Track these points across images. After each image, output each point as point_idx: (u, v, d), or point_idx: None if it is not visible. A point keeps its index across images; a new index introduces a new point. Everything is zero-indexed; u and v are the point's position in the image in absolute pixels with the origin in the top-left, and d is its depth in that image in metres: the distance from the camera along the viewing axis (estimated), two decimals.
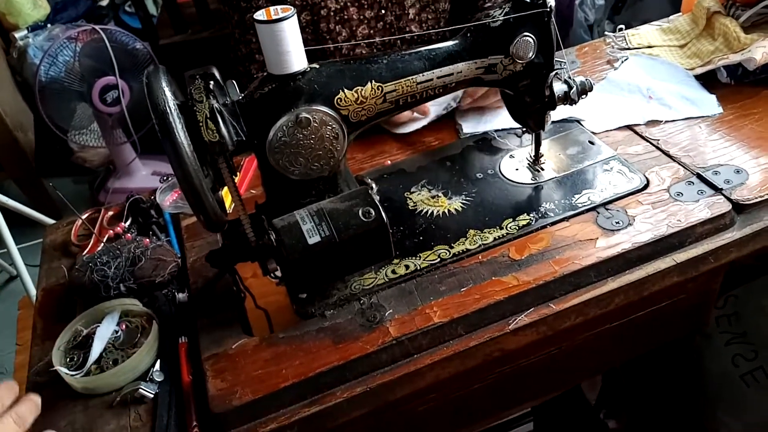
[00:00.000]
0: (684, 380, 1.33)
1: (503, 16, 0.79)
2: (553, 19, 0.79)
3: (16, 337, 2.08)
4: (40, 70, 2.08)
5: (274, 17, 0.69)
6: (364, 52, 1.19)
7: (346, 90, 0.75)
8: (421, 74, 0.78)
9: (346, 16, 1.15)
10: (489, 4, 1.16)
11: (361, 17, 1.16)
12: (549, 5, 0.77)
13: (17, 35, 2.63)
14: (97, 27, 2.10)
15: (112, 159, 2.49)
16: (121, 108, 2.15)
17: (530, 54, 0.80)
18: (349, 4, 1.15)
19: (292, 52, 0.71)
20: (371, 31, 1.18)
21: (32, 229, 2.20)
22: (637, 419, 1.42)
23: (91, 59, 2.12)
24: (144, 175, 2.47)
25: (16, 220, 2.12)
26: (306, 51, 1.16)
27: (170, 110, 0.65)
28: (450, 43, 0.80)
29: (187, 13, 2.43)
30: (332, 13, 1.14)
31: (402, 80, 0.78)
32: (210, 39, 2.39)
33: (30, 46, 2.58)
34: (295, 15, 0.70)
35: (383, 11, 1.17)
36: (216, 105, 0.69)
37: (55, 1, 2.82)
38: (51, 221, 2.11)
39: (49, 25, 2.68)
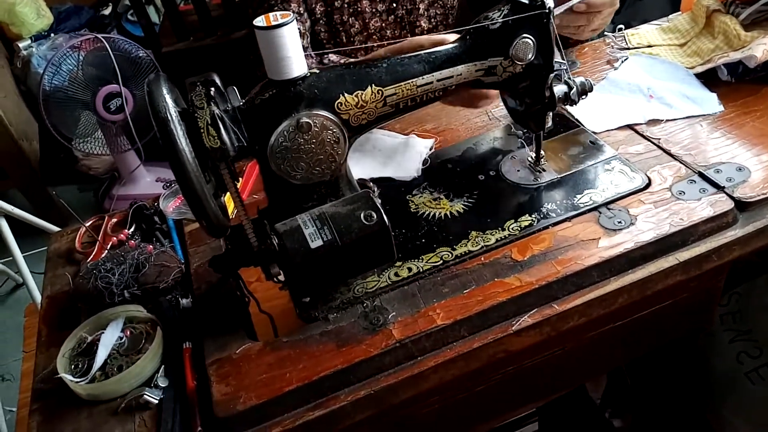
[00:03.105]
0: (689, 378, 1.32)
1: (502, 17, 0.79)
2: (552, 19, 0.79)
3: (22, 345, 2.09)
4: (44, 80, 2.09)
5: (273, 23, 0.70)
6: (375, 46, 1.21)
7: (346, 94, 0.75)
8: (421, 77, 0.79)
9: (359, 9, 1.16)
10: None
11: (374, 10, 1.17)
12: (548, 6, 0.78)
13: (21, 45, 2.66)
14: (100, 36, 2.12)
15: (116, 166, 2.51)
16: (125, 116, 2.16)
17: (530, 55, 0.80)
18: None
19: (292, 57, 0.72)
20: (383, 24, 1.20)
21: (38, 237, 2.21)
22: (642, 418, 1.41)
23: (94, 68, 2.13)
24: (148, 181, 2.49)
25: (21, 229, 2.14)
26: (322, 43, 1.16)
27: (171, 117, 0.66)
28: (449, 45, 0.81)
29: (189, 20, 2.44)
30: (346, 5, 1.16)
31: (402, 84, 0.78)
32: (212, 46, 2.39)
33: (34, 56, 2.60)
34: (295, 21, 0.71)
35: (395, 5, 1.18)
36: (217, 111, 0.69)
37: (59, 11, 2.84)
38: (56, 229, 2.12)
39: (52, 35, 2.70)
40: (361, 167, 1.03)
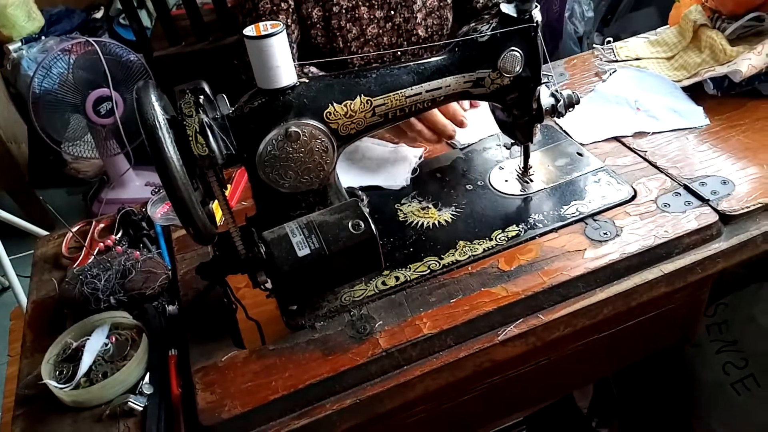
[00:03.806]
0: (675, 388, 1.33)
1: (491, 30, 0.80)
2: (539, 33, 0.80)
3: (8, 348, 2.07)
4: (33, 82, 2.08)
5: (263, 33, 0.70)
6: (371, 51, 1.21)
7: (335, 104, 0.76)
8: (409, 88, 0.79)
9: (357, 15, 1.17)
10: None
11: (372, 17, 1.18)
12: (535, 20, 0.79)
13: (11, 47, 2.64)
14: (91, 39, 2.11)
15: (105, 170, 2.49)
16: (115, 119, 2.15)
17: (517, 68, 0.81)
18: (360, 2, 1.17)
19: (281, 66, 0.72)
20: (380, 31, 1.20)
21: (25, 240, 2.19)
22: (628, 427, 1.42)
23: (85, 71, 2.12)
24: (137, 185, 2.47)
25: (8, 232, 2.12)
26: (318, 47, 1.16)
27: (159, 125, 0.66)
28: (438, 57, 0.81)
29: (181, 25, 2.43)
30: (344, 11, 1.16)
31: (391, 94, 0.78)
32: (204, 51, 2.39)
33: (24, 58, 2.58)
34: (284, 30, 0.71)
35: (393, 12, 1.19)
36: (206, 119, 0.70)
37: (50, 14, 2.83)
38: (44, 232, 2.10)
39: (43, 38, 2.69)
40: (350, 176, 1.03)
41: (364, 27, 1.19)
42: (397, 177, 1.02)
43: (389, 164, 1.05)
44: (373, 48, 1.21)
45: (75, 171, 2.66)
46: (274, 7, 1.15)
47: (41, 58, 2.16)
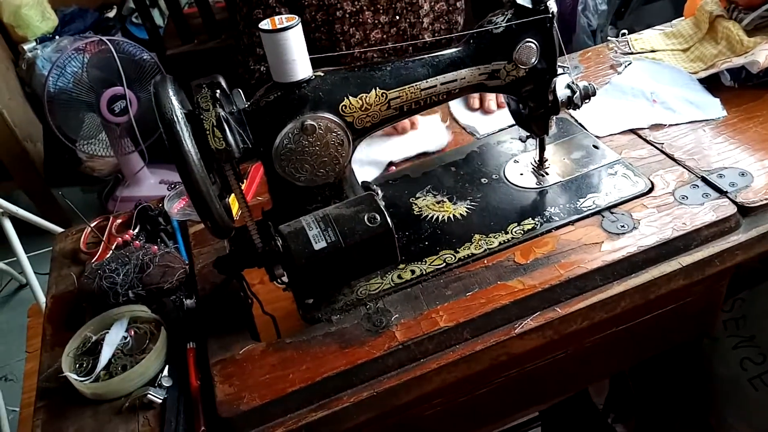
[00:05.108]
0: (692, 384, 1.32)
1: (506, 22, 0.80)
2: (555, 24, 0.80)
3: (25, 345, 2.10)
4: (48, 81, 2.10)
5: (279, 26, 0.70)
6: (375, 56, 1.21)
7: (350, 97, 0.76)
8: (425, 81, 0.79)
9: (360, 20, 1.16)
10: None
11: (376, 21, 1.17)
12: (551, 11, 0.78)
13: (26, 47, 2.67)
14: (104, 38, 2.12)
15: (120, 168, 2.51)
16: (129, 118, 2.17)
17: (533, 59, 0.81)
18: (365, 7, 1.16)
19: (297, 60, 0.72)
20: (384, 36, 1.19)
21: (41, 237, 2.22)
22: (645, 423, 1.41)
23: (99, 70, 2.14)
24: (152, 183, 2.49)
25: (25, 229, 2.14)
26: (323, 51, 1.19)
27: (177, 119, 0.66)
28: (453, 49, 0.81)
29: (194, 23, 2.45)
30: (347, 16, 1.16)
31: (406, 87, 0.78)
32: (216, 49, 2.41)
33: (38, 58, 2.61)
34: (300, 24, 0.71)
35: (398, 17, 1.18)
36: (222, 113, 0.70)
37: (63, 13, 2.85)
38: (60, 230, 2.12)
39: (57, 37, 2.71)
40: (390, 151, 1.04)
41: (368, 32, 1.18)
42: (438, 139, 1.05)
43: (425, 132, 1.06)
44: (377, 53, 1.20)
45: (90, 169, 2.69)
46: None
47: (55, 58, 2.18)
